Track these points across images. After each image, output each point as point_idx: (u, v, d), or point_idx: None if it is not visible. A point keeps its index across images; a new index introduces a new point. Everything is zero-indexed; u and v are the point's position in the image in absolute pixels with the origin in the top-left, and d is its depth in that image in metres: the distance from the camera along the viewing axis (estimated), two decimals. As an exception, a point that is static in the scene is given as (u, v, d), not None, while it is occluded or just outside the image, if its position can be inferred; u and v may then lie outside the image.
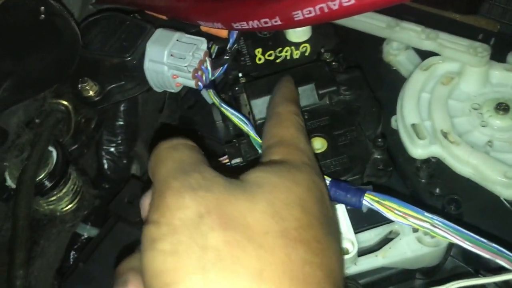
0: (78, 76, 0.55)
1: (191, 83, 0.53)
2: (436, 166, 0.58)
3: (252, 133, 0.52)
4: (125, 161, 0.73)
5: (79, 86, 0.55)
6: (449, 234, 0.43)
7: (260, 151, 0.52)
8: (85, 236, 0.73)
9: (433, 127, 0.58)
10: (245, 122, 0.53)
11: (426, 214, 0.43)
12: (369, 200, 0.46)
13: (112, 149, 0.72)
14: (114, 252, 0.60)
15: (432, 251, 0.51)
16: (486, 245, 0.42)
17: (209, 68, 0.54)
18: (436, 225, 0.43)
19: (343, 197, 0.47)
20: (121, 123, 0.71)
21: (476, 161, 0.54)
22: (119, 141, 0.72)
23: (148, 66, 0.52)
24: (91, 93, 0.55)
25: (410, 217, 0.44)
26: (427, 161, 0.58)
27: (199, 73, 0.52)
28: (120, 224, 0.62)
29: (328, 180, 0.48)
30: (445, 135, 0.57)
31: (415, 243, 0.51)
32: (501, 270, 0.45)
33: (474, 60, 0.59)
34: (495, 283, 0.53)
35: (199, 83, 0.54)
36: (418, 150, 0.58)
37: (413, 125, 0.58)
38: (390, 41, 0.68)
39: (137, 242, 0.60)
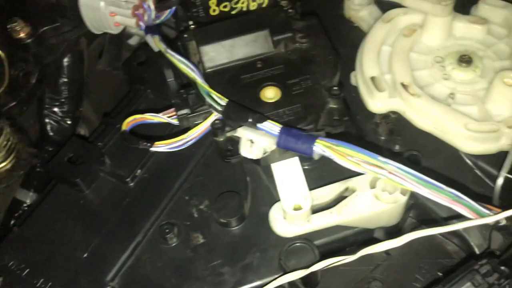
0: (8, 16, 0.49)
1: (131, 22, 0.49)
2: (395, 122, 0.55)
3: (199, 80, 0.49)
4: (69, 122, 0.68)
5: (8, 26, 0.49)
6: (405, 180, 0.40)
7: (207, 99, 0.48)
8: (28, 203, 0.69)
9: (393, 80, 0.55)
10: (192, 69, 0.50)
11: (380, 158, 0.40)
12: (321, 146, 0.42)
13: (55, 109, 0.67)
14: (51, 215, 0.56)
15: (390, 208, 0.49)
16: (444, 191, 0.39)
17: (151, 6, 0.50)
18: (392, 171, 0.40)
19: (294, 144, 0.44)
20: (65, 80, 0.65)
21: (437, 113, 0.52)
22: (63, 100, 0.66)
23: (84, 1, 0.48)
24: (22, 34, 0.50)
25: (364, 163, 0.41)
26: (386, 116, 0.55)
27: (140, 11, 0.48)
28: (59, 186, 0.58)
29: (278, 126, 0.44)
30: (405, 87, 0.54)
31: (372, 200, 0.49)
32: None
33: (437, 9, 0.56)
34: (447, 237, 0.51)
35: (140, 23, 0.49)
36: (377, 103, 0.55)
37: (373, 78, 0.55)
38: (351, -4, 0.65)
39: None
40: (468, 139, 0.51)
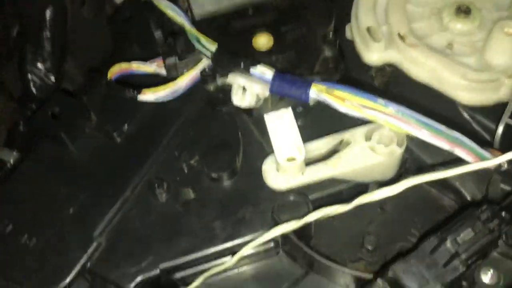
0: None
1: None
2: (391, 75, 0.54)
3: (187, 25, 0.46)
4: (53, 79, 0.65)
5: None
6: (405, 123, 0.38)
7: (196, 45, 0.46)
8: (11, 163, 0.66)
9: (389, 31, 0.53)
10: (179, 14, 0.47)
11: (380, 100, 0.38)
12: (317, 91, 0.40)
13: (39, 64, 0.64)
14: (35, 172, 0.54)
15: (385, 160, 0.47)
16: (446, 134, 0.37)
17: None
18: (391, 114, 0.38)
19: (288, 90, 0.42)
20: (48, 34, 0.62)
21: (435, 63, 0.50)
22: (46, 56, 0.63)
23: None
24: (-5, -20, 0.47)
25: (362, 107, 0.39)
26: (382, 69, 0.54)
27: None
28: (42, 142, 0.55)
29: (271, 71, 0.42)
30: (402, 38, 0.52)
31: (367, 152, 0.47)
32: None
33: (435, -42, 0.54)
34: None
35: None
36: (373, 55, 0.53)
37: (368, 28, 0.53)
38: None
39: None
40: (466, 90, 0.50)
